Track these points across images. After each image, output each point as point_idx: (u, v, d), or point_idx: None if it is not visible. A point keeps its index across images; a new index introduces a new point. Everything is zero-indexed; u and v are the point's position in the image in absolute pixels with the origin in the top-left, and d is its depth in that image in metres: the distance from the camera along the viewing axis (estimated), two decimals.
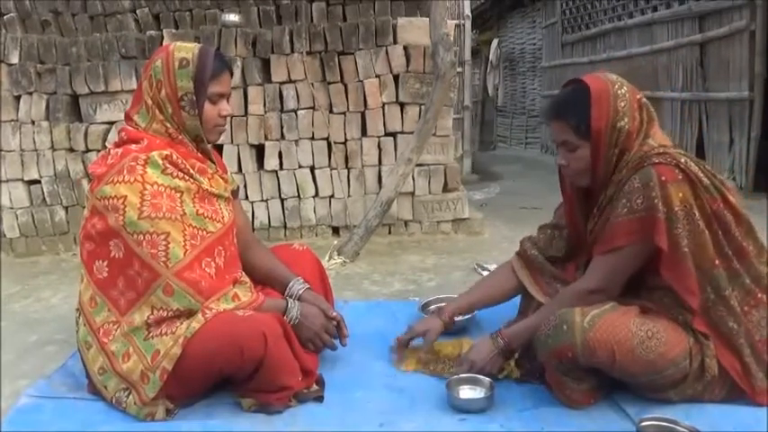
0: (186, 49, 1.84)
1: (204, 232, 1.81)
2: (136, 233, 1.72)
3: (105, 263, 1.78)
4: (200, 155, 1.90)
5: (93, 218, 1.78)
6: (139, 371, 1.73)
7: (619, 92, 1.74)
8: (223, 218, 1.89)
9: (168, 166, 1.78)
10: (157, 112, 1.83)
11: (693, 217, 1.66)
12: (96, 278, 1.80)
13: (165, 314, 1.74)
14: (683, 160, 1.68)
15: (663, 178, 1.65)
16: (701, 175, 1.69)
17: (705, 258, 1.67)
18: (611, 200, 1.78)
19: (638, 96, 1.77)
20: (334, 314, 2.03)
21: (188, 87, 1.81)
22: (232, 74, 1.95)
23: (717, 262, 1.68)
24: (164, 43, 3.82)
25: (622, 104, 1.73)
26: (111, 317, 1.79)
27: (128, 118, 1.89)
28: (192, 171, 1.83)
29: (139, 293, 1.75)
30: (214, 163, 1.95)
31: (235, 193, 2.07)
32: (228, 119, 3.74)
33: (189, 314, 1.75)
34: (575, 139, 1.76)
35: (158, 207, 1.73)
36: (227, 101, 1.92)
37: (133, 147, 1.79)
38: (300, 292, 2.04)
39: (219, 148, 3.91)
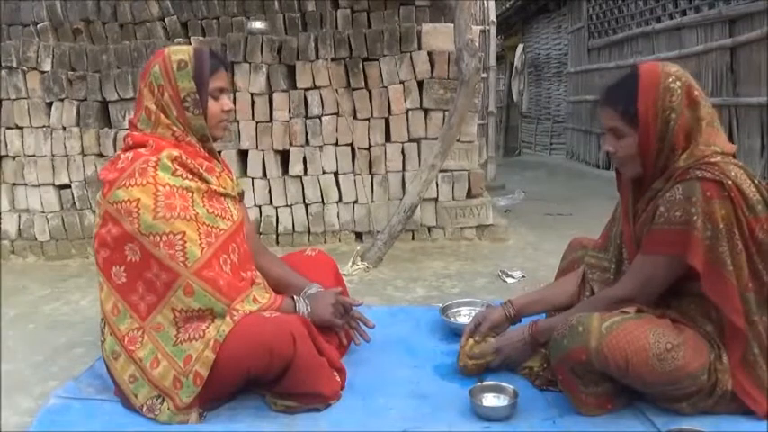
0: (182, 52, 1.87)
1: (217, 230, 1.83)
2: (152, 235, 1.73)
3: (123, 268, 1.79)
4: (206, 154, 1.93)
5: (106, 224, 1.79)
6: (171, 376, 1.74)
7: (671, 85, 1.66)
8: (232, 216, 1.91)
9: (178, 168, 1.80)
10: (162, 116, 1.85)
11: (733, 236, 1.61)
12: (116, 284, 1.81)
13: (187, 314, 1.75)
14: (732, 174, 1.61)
15: (708, 194, 1.59)
16: (753, 191, 1.62)
17: (739, 279, 1.62)
18: (655, 196, 1.72)
19: (694, 94, 1.69)
20: (348, 300, 2.06)
21: (190, 87, 1.84)
22: (227, 69, 1.99)
23: (750, 285, 1.64)
24: None
25: (673, 99, 1.66)
26: (134, 324, 1.80)
27: (132, 126, 1.91)
28: (200, 170, 1.86)
29: (160, 296, 1.76)
30: (219, 162, 1.98)
31: (240, 195, 2.09)
32: (254, 124, 3.89)
33: (212, 315, 1.76)
34: (622, 126, 1.71)
35: (173, 207, 1.75)
36: (227, 96, 1.95)
37: (142, 150, 1.81)
38: (313, 290, 2.04)
39: (244, 154, 3.97)
